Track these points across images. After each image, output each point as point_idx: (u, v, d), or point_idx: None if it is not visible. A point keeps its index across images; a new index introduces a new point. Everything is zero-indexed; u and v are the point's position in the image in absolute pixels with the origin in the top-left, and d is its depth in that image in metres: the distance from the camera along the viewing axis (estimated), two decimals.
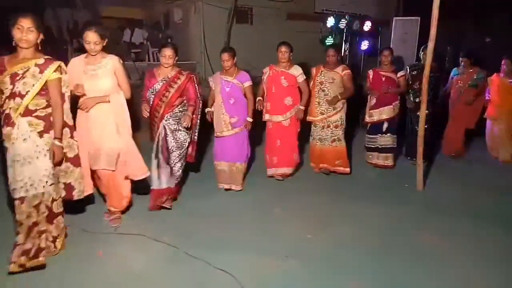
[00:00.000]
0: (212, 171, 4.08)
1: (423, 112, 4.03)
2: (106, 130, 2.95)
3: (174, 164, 3.36)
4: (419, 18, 7.69)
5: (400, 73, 4.63)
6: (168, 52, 3.27)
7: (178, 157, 3.37)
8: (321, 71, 4.34)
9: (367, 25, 8.93)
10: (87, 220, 3.20)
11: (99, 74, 2.91)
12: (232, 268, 2.52)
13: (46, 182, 2.49)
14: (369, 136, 4.82)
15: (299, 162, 4.40)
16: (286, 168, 4.28)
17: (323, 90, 4.31)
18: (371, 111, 4.73)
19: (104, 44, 2.93)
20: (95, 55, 2.91)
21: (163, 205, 3.38)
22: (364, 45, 8.90)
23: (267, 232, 3.11)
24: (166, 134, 3.31)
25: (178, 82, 3.32)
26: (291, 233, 3.10)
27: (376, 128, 4.72)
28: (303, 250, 2.84)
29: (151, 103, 3.32)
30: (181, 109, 3.37)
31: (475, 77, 5.13)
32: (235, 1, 8.23)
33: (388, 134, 4.67)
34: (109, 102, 2.92)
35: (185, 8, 9.16)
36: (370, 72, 4.81)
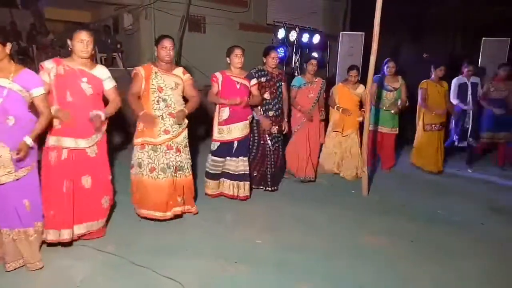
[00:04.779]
0: None
1: (367, 123, 4.26)
2: None
3: None
4: (363, 33, 8.14)
5: (253, 81, 3.94)
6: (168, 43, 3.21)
7: None
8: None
9: (316, 38, 9.30)
10: None
11: None
12: (179, 276, 2.48)
13: None
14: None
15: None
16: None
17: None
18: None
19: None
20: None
21: None
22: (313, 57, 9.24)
23: (216, 239, 3.10)
24: None
25: None
26: (240, 239, 3.11)
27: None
28: (252, 255, 2.86)
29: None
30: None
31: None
32: (188, 9, 8.20)
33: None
34: None
35: (136, 14, 8.96)
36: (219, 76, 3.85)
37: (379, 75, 5.19)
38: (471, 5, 10.41)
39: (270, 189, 4.28)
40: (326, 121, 5.05)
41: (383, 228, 3.44)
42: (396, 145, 5.38)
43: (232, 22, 9.78)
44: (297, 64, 9.20)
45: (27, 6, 9.15)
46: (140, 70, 3.24)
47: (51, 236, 2.67)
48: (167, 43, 3.22)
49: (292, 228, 3.36)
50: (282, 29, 8.94)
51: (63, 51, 8.51)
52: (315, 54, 9.23)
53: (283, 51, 8.85)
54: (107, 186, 2.99)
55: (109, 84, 2.91)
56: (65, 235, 2.70)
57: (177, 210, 3.33)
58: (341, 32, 8.91)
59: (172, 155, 3.25)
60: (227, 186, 3.91)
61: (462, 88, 5.43)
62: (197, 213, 3.48)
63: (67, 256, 2.70)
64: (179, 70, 3.39)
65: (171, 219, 3.29)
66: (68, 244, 2.76)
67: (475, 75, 5.54)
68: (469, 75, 5.44)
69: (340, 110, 4.88)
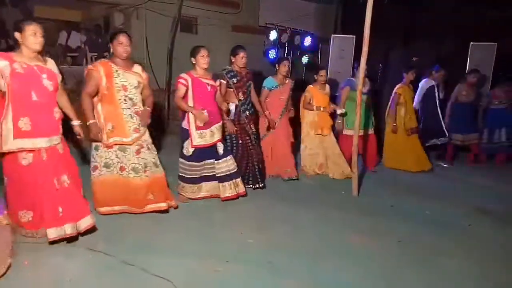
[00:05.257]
0: None
1: (357, 123, 4.31)
2: None
3: None
4: (354, 36, 8.22)
5: (218, 82, 3.95)
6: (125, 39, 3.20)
7: None
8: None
9: (308, 41, 9.36)
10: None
11: None
12: (170, 274, 2.47)
13: None
14: None
15: None
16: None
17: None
18: None
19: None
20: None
21: None
22: (305, 59, 9.32)
23: (207, 238, 3.10)
24: None
25: None
26: (231, 238, 3.12)
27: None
28: (244, 254, 2.86)
29: None
30: None
31: None
32: (180, 10, 8.19)
33: None
34: None
35: (127, 13, 8.92)
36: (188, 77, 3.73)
37: (350, 77, 5.32)
38: (460, 10, 10.59)
39: (260, 185, 4.31)
40: (295, 119, 5.05)
41: (372, 228, 3.48)
42: (377, 145, 5.49)
43: (224, 23, 9.79)
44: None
45: (15, 4, 9.04)
46: (98, 67, 3.12)
47: (53, 234, 2.64)
48: (123, 38, 3.14)
49: (282, 228, 3.38)
50: (274, 31, 8.98)
51: (53, 50, 8.44)
52: (306, 57, 9.36)
53: (275, 53, 8.89)
54: (79, 180, 3.01)
55: (59, 78, 2.88)
56: (69, 229, 2.69)
57: (150, 207, 3.33)
58: (333, 35, 8.98)
59: (145, 153, 3.28)
60: (228, 188, 3.81)
61: (430, 91, 5.59)
62: (175, 207, 3.50)
63: (56, 254, 2.68)
64: (138, 68, 3.35)
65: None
66: (74, 239, 2.78)
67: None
68: (441, 79, 5.62)
69: (321, 109, 4.93)
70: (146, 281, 2.43)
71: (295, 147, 5.07)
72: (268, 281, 2.53)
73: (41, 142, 2.69)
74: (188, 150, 3.71)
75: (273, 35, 8.94)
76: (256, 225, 3.43)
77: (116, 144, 3.19)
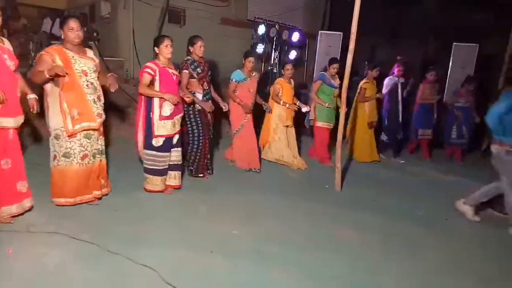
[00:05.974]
0: (134, 166, 4.03)
1: (342, 117, 4.40)
2: None
3: None
4: (341, 33, 8.31)
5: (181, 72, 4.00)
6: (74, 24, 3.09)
7: None
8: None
9: (296, 36, 9.40)
10: None
11: None
12: (155, 264, 2.49)
13: None
14: None
15: None
16: None
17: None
18: None
19: None
20: None
21: None
22: (292, 54, 9.36)
23: (192, 229, 3.13)
24: None
25: None
26: (216, 229, 3.15)
27: None
28: (228, 245, 2.91)
29: None
30: None
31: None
32: (168, 1, 8.11)
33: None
34: None
35: (114, 2, 8.78)
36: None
37: (323, 72, 5.57)
38: (445, 10, 10.81)
39: (211, 173, 4.50)
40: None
41: (355, 221, 3.57)
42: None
43: (212, 16, 9.73)
44: (276, 61, 9.27)
45: None
46: (52, 53, 3.00)
47: (15, 209, 2.88)
48: (74, 23, 3.05)
49: (267, 220, 3.43)
50: (263, 25, 8.98)
51: (36, 37, 8.25)
52: (294, 52, 9.39)
53: (262, 47, 8.90)
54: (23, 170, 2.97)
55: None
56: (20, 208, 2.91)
57: (98, 193, 3.37)
58: (320, 31, 9.05)
59: (101, 140, 3.36)
60: (173, 177, 3.86)
61: (392, 87, 5.84)
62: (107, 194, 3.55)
63: (41, 243, 2.67)
64: (91, 53, 3.33)
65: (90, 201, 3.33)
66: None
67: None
68: (400, 75, 5.81)
69: (287, 105, 5.11)
70: (131, 270, 2.45)
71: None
72: (252, 272, 2.58)
73: (10, 122, 2.71)
74: (158, 140, 3.66)
75: (261, 29, 8.94)
76: (241, 218, 3.47)
77: (83, 130, 3.15)
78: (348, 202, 4.07)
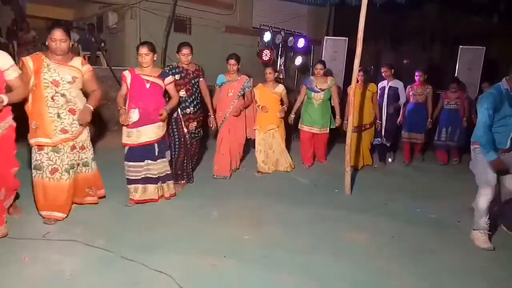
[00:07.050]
0: None
1: (350, 124, 4.40)
2: None
3: None
4: (347, 38, 8.35)
5: (167, 80, 3.75)
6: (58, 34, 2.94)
7: None
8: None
9: (301, 42, 9.47)
10: (11, 226, 2.95)
11: None
12: (169, 269, 2.51)
13: None
14: None
15: None
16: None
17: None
18: None
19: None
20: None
21: None
22: (298, 60, 9.42)
23: (204, 234, 3.15)
24: None
25: None
26: (228, 235, 3.17)
27: None
28: (240, 250, 2.92)
29: None
30: None
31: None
32: (174, 10, 8.23)
33: None
34: None
35: (121, 13, 8.92)
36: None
37: (310, 77, 5.62)
38: (449, 15, 10.83)
39: (191, 182, 4.35)
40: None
41: (366, 225, 3.56)
42: (327, 144, 5.66)
43: (218, 24, 9.85)
44: (281, 67, 9.34)
45: (7, 1, 8.97)
46: (28, 62, 2.90)
47: None
48: (56, 34, 2.89)
49: (278, 225, 3.43)
50: (268, 32, 9.07)
51: (45, 48, 8.40)
52: (299, 58, 9.45)
53: (268, 53, 8.97)
54: (6, 179, 2.86)
55: (13, 74, 2.74)
56: None
57: (89, 199, 3.40)
58: (325, 37, 9.11)
59: (77, 154, 3.15)
60: (152, 191, 3.68)
61: (381, 91, 5.81)
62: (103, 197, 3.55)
63: (56, 251, 2.71)
64: (77, 61, 3.10)
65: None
66: None
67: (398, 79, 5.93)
68: (386, 76, 5.77)
69: (260, 107, 5.04)
70: (146, 275, 2.47)
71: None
72: (264, 275, 2.58)
73: None
74: (125, 149, 3.61)
75: (267, 36, 9.03)
76: (252, 223, 3.49)
77: (44, 145, 2.97)
78: (359, 206, 4.07)
